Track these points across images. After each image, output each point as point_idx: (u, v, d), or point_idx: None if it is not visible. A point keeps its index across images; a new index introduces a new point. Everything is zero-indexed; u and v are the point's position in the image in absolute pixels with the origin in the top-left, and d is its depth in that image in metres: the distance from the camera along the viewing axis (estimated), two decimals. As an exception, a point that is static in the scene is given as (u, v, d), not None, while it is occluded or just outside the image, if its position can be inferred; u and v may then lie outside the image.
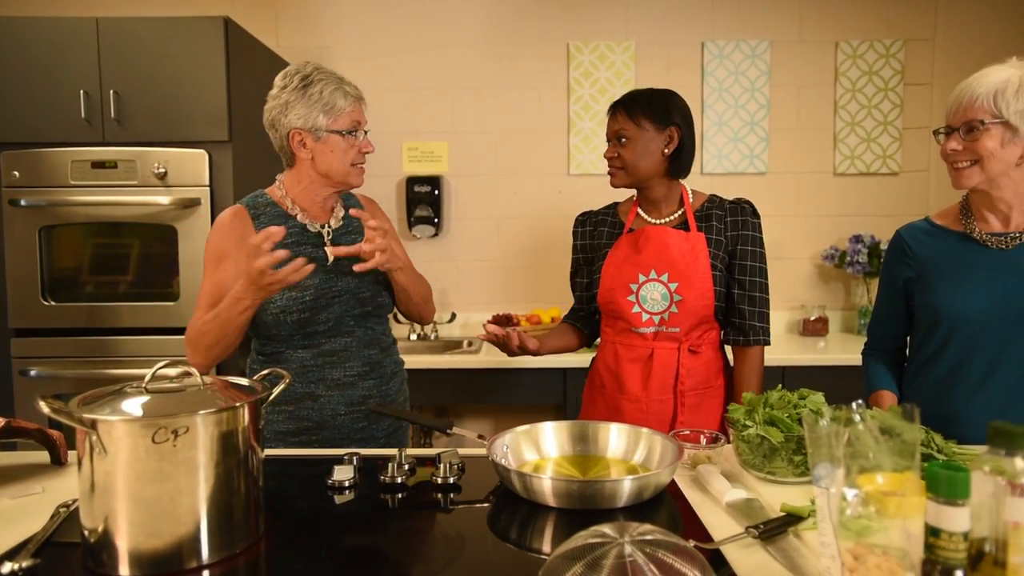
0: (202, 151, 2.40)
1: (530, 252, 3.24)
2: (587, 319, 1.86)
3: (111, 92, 2.40)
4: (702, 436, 1.27)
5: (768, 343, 1.68)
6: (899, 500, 0.72)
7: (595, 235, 1.80)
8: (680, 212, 1.71)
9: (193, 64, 2.39)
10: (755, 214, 1.70)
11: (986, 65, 1.41)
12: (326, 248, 1.55)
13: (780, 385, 1.26)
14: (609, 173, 1.70)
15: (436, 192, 3.13)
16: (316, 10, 3.15)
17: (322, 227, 1.58)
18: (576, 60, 3.14)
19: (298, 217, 1.55)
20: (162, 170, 2.38)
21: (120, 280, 2.47)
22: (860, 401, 0.79)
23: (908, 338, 1.63)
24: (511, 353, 1.68)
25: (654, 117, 1.63)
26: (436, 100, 3.18)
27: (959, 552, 0.71)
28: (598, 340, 1.83)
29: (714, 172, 3.17)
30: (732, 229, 1.68)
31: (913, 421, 0.75)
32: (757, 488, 1.12)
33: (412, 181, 3.13)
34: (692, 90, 3.13)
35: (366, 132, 1.56)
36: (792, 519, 0.96)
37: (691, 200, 1.72)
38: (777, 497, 1.05)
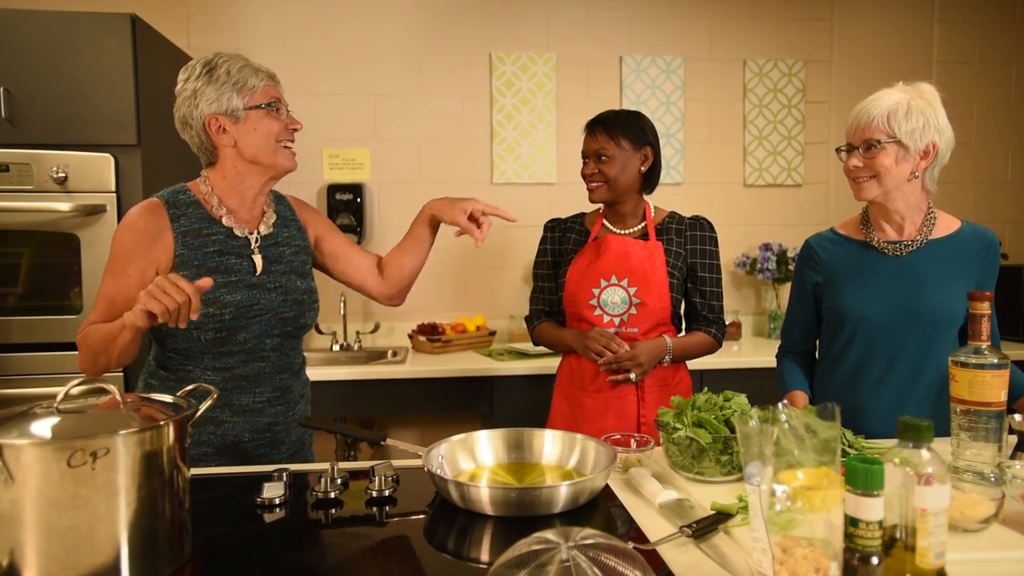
0: (107, 155, 2.25)
1: (455, 261, 3.23)
2: (559, 317, 1.94)
3: (1, 89, 2.22)
4: (633, 440, 1.30)
5: (720, 345, 1.86)
6: (823, 493, 0.76)
7: (563, 240, 1.89)
8: (642, 225, 1.84)
9: (97, 62, 2.25)
10: (712, 229, 1.85)
11: (875, 84, 1.56)
12: (253, 257, 1.45)
13: (705, 388, 1.31)
14: (589, 188, 1.79)
15: (358, 200, 3.08)
16: (230, 10, 3.04)
17: (250, 233, 1.46)
18: (498, 70, 3.17)
19: (223, 220, 1.43)
20: (62, 174, 2.22)
21: (9, 292, 2.28)
22: (785, 402, 0.84)
23: (818, 339, 1.74)
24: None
25: (632, 137, 1.76)
26: (357, 107, 3.13)
27: (875, 540, 0.75)
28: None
29: (633, 182, 3.27)
30: (691, 243, 1.82)
31: (834, 420, 0.80)
32: (687, 488, 1.16)
33: (333, 188, 3.06)
34: (611, 103, 3.22)
35: (289, 111, 1.45)
36: (722, 517, 1.00)
37: (653, 215, 1.85)
38: (706, 496, 1.09)
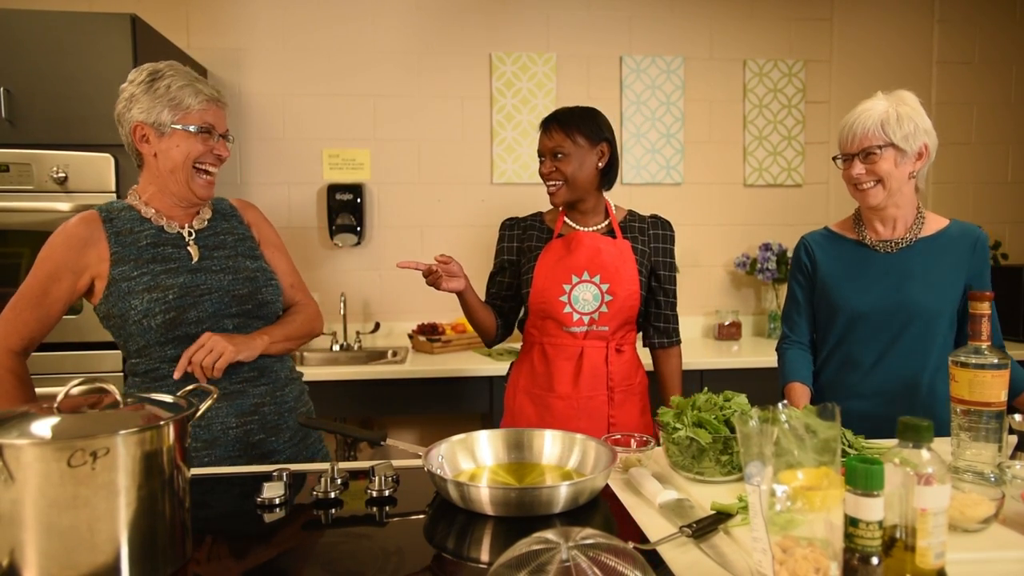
0: (108, 155, 2.26)
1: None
2: (502, 315, 1.88)
3: (2, 90, 2.23)
4: (632, 439, 1.30)
5: (680, 342, 1.86)
6: (823, 494, 0.76)
7: (524, 239, 1.85)
8: (606, 223, 1.81)
9: (97, 63, 2.26)
10: (672, 228, 1.85)
11: (875, 84, 1.67)
12: (189, 248, 1.45)
13: (705, 388, 1.31)
14: (550, 192, 1.75)
15: (358, 200, 3.08)
16: (230, 10, 3.03)
17: (182, 228, 1.46)
18: (498, 70, 3.17)
19: (152, 219, 1.44)
20: (62, 175, 2.22)
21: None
22: (785, 402, 0.84)
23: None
24: (434, 283, 1.66)
25: (588, 133, 1.73)
26: (357, 107, 3.13)
27: (875, 540, 0.75)
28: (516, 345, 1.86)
29: (633, 182, 3.27)
30: (654, 241, 1.81)
31: (833, 420, 0.80)
32: (687, 488, 1.16)
33: (333, 188, 3.06)
34: (611, 103, 3.22)
35: (223, 137, 1.46)
36: (722, 517, 1.00)
37: (615, 212, 1.82)
38: (706, 496, 1.09)
